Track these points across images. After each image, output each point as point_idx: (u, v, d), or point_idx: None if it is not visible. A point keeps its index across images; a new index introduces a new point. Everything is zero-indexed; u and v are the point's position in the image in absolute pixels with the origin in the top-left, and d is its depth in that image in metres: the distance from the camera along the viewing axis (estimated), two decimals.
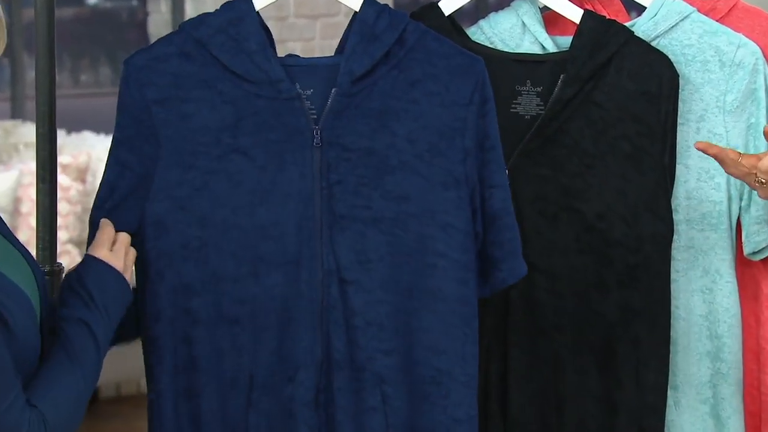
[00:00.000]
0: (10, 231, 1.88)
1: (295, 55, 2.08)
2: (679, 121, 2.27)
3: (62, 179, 4.83)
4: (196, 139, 1.98)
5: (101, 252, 1.93)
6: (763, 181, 2.13)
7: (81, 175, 5.03)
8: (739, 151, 2.19)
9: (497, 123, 2.04)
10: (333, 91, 1.99)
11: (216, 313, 1.98)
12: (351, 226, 1.97)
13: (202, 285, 1.98)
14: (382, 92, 1.99)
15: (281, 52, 2.08)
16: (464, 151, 2.00)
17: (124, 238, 1.97)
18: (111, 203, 2.00)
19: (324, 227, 1.97)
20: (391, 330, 1.99)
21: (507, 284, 2.07)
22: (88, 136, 5.46)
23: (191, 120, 1.98)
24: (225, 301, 1.98)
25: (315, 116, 1.99)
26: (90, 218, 2.02)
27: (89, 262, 1.93)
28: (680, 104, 2.27)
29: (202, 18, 2.01)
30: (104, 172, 2.02)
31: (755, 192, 2.28)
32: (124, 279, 1.92)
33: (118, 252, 1.94)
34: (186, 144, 1.98)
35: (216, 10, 2.03)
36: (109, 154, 2.03)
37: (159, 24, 5.70)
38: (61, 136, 5.13)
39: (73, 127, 5.48)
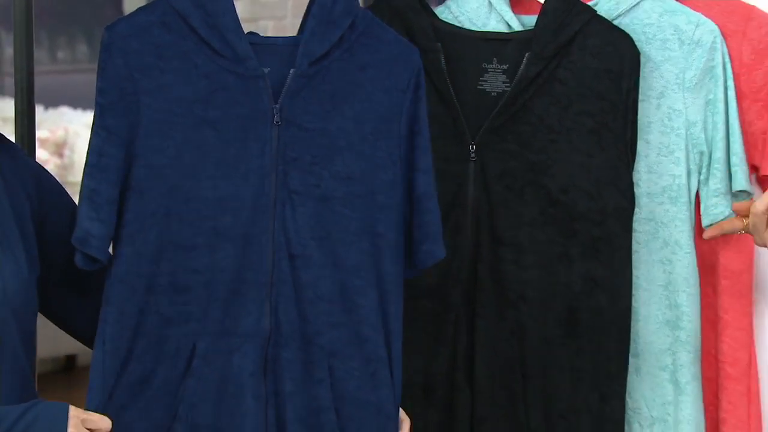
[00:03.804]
0: None
1: (255, 33, 2.07)
2: (640, 97, 2.28)
3: (40, 153, 4.85)
4: (173, 109, 1.97)
5: (80, 415, 1.86)
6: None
7: (59, 149, 5.04)
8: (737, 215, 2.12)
9: (426, 109, 2.05)
10: (291, 71, 1.99)
11: (169, 281, 1.97)
12: (304, 202, 1.98)
13: (160, 253, 1.96)
14: (335, 75, 2.00)
15: (253, 30, 2.08)
16: (399, 135, 2.02)
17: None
18: (99, 169, 1.97)
19: (277, 203, 1.98)
20: (340, 305, 1.99)
21: (425, 266, 2.07)
22: (65, 111, 5.51)
23: (170, 90, 1.97)
24: (179, 270, 1.96)
25: (272, 94, 2.00)
26: (81, 184, 1.98)
27: (59, 404, 1.87)
28: (641, 81, 2.27)
29: None
30: (91, 139, 2.00)
31: (714, 166, 2.30)
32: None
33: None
34: (164, 114, 1.97)
35: None
36: (94, 121, 2.00)
37: (135, 2, 5.71)
38: (39, 111, 5.13)
39: (51, 103, 5.49)
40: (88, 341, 2.07)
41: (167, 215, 1.96)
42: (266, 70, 1.99)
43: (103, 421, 1.89)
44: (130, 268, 1.97)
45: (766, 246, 2.07)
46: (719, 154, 2.30)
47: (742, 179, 2.30)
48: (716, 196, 2.31)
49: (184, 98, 1.97)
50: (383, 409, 2.02)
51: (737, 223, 2.11)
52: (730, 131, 2.30)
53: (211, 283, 1.97)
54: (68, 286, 2.06)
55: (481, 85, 2.27)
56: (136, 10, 2.02)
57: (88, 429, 1.87)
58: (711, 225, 2.32)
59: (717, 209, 2.31)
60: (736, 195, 2.31)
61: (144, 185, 1.97)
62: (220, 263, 1.97)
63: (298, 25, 2.09)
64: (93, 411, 1.93)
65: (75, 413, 1.86)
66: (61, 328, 2.10)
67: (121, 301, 1.97)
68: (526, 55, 2.24)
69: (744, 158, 2.31)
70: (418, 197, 2.04)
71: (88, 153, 1.99)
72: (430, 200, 2.05)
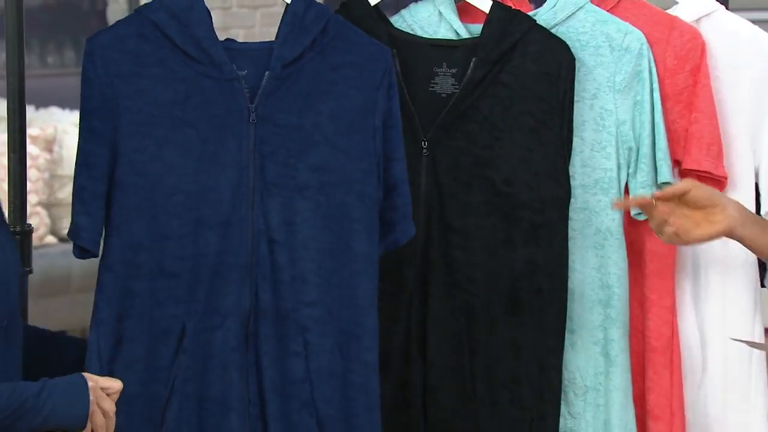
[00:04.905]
0: None
1: (233, 39, 2.14)
2: (575, 98, 2.34)
3: (32, 149, 4.87)
4: (152, 111, 2.03)
5: (95, 378, 1.84)
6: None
7: (48, 145, 5.10)
8: (649, 194, 2.09)
9: (399, 104, 2.12)
10: (266, 74, 2.06)
11: (158, 267, 2.04)
12: (280, 192, 2.05)
13: (149, 242, 2.03)
14: (309, 75, 2.07)
15: (224, 38, 2.14)
16: (374, 129, 2.09)
17: (111, 402, 1.87)
18: (85, 167, 2.04)
19: (256, 193, 2.05)
20: (314, 284, 2.07)
21: (399, 244, 2.14)
22: (54, 111, 5.50)
23: (148, 94, 2.04)
24: (167, 257, 2.03)
25: (249, 95, 2.06)
26: (74, 180, 2.05)
27: (71, 376, 1.84)
28: (576, 84, 2.34)
29: (159, 3, 2.07)
30: (79, 140, 2.06)
31: (641, 160, 2.37)
32: (87, 399, 1.81)
33: (102, 397, 1.84)
34: (143, 115, 2.03)
35: None
36: (80, 124, 2.06)
37: (116, 13, 5.78)
38: (30, 111, 5.13)
39: (42, 103, 5.51)
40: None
41: (152, 208, 2.02)
42: (243, 73, 2.05)
43: (116, 383, 1.89)
44: (118, 257, 2.04)
45: (656, 233, 2.08)
46: (646, 149, 2.36)
47: (666, 172, 2.37)
48: (643, 188, 2.37)
49: (163, 101, 2.03)
50: (354, 380, 2.09)
51: (646, 200, 2.07)
52: (656, 129, 2.36)
53: (196, 268, 2.03)
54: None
55: (432, 87, 2.32)
56: (116, 22, 2.09)
57: (102, 388, 1.86)
58: (638, 214, 2.39)
59: None
60: (661, 187, 2.37)
61: (126, 181, 2.03)
62: (203, 250, 2.03)
63: (266, 34, 2.16)
64: None
65: (90, 377, 1.85)
66: None
67: (112, 288, 2.04)
68: (473, 60, 2.30)
69: (668, 153, 2.37)
70: (394, 183, 2.11)
71: (77, 153, 2.07)
72: (405, 185, 2.12)
